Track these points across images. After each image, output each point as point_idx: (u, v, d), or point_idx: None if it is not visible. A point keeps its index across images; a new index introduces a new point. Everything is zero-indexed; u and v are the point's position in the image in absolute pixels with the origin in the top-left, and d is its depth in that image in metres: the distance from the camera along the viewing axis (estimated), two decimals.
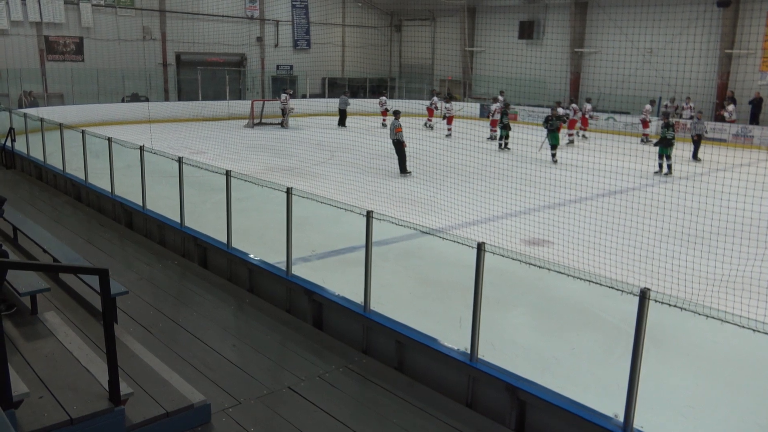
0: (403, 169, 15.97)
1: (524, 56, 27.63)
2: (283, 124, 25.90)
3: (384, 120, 27.40)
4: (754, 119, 23.93)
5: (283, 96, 26.38)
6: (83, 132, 11.80)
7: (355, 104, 27.48)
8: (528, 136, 18.98)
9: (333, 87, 33.18)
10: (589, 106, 25.40)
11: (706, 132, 20.60)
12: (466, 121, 26.74)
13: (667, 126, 17.26)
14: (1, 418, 3.29)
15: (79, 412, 4.11)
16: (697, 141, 19.73)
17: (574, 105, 25.15)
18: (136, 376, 4.74)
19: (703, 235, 9.73)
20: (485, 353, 5.15)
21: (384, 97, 28.25)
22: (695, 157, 19.60)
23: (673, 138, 17.13)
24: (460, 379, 5.21)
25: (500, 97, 27.39)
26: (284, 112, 26.03)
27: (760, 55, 24.21)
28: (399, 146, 15.95)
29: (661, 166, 17.32)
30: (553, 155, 18.82)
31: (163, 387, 4.68)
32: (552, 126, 19.14)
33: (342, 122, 26.41)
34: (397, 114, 16.67)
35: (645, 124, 23.63)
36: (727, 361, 6.31)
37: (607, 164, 16.48)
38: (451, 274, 8.25)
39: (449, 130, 24.44)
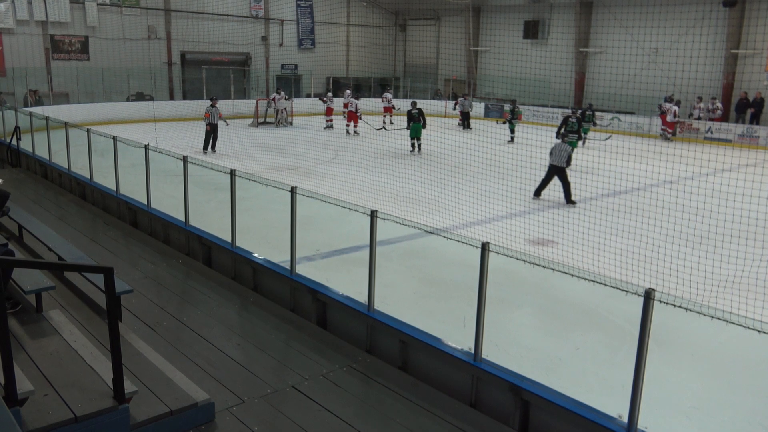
0: (212, 147, 19.00)
1: (529, 56, 27.58)
2: (279, 123, 25.88)
3: (461, 121, 26.85)
4: (755, 119, 23.82)
5: (275, 95, 26.33)
6: (88, 131, 11.83)
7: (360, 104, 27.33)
8: (533, 135, 18.93)
9: (337, 86, 33.17)
10: (389, 95, 27.71)
11: None
12: (471, 121, 26.72)
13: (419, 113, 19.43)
14: (6, 416, 3.31)
15: (84, 410, 4.13)
16: None
17: (386, 94, 27.81)
18: (141, 375, 4.75)
19: (708, 236, 9.69)
20: (489, 353, 5.14)
21: (462, 98, 27.48)
22: None
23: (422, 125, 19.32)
24: (463, 379, 5.20)
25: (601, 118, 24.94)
26: (278, 112, 25.97)
27: (766, 55, 24.10)
28: (214, 129, 19.04)
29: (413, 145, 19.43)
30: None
31: (167, 385, 4.69)
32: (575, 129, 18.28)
33: (467, 124, 26.07)
34: (214, 100, 19.40)
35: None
36: (732, 362, 6.28)
37: (611, 164, 16.44)
38: (455, 274, 8.24)
39: (328, 121, 25.20)
